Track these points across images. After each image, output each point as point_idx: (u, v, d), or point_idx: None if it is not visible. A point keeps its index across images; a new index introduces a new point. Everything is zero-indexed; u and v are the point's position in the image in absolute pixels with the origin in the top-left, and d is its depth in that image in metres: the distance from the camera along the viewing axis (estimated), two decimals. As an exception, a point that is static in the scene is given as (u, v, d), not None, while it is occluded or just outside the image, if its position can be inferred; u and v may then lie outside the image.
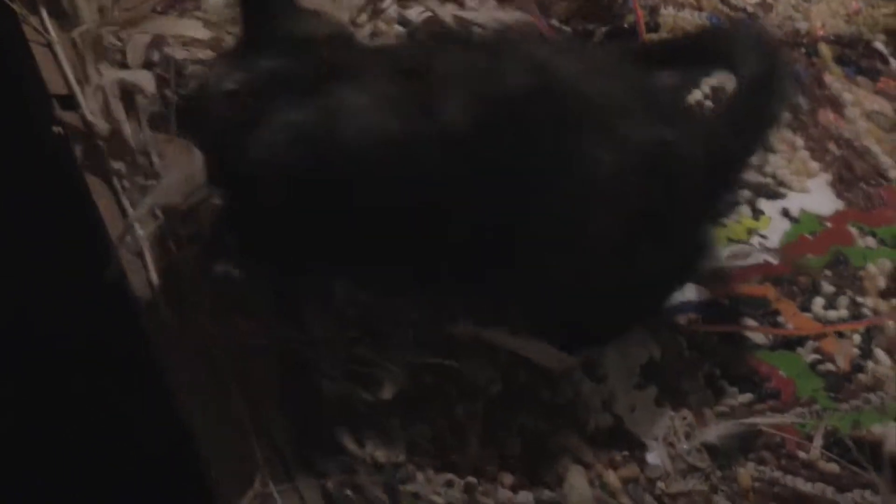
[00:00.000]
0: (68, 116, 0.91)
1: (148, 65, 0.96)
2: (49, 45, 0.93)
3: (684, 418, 0.92)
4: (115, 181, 0.90)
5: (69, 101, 0.92)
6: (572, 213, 0.82)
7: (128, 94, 0.93)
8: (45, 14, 0.93)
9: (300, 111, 0.79)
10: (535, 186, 0.82)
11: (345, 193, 0.79)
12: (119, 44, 0.98)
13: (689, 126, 0.92)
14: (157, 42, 0.99)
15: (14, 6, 0.93)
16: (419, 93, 0.82)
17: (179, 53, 0.99)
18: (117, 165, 0.90)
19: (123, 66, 0.96)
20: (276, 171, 0.79)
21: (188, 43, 1.00)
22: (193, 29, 1.00)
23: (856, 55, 1.20)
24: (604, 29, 1.10)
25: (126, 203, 0.89)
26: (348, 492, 0.81)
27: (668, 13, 1.16)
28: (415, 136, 0.81)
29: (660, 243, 0.87)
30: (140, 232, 0.88)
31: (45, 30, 0.93)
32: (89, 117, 0.90)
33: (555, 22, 1.09)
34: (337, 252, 0.84)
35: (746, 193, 1.07)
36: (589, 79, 0.86)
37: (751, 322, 1.00)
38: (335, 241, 0.82)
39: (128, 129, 0.92)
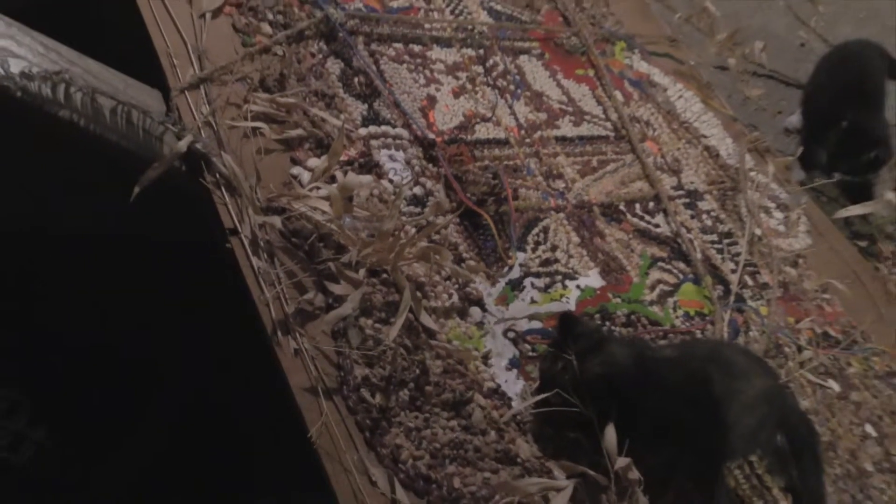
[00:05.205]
0: (233, 240, 1.25)
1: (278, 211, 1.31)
2: (225, 204, 1.30)
3: (531, 385, 1.33)
4: (258, 271, 1.23)
5: (234, 231, 1.25)
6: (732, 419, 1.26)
7: (266, 227, 1.28)
8: (223, 189, 1.31)
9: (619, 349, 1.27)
10: (715, 408, 1.26)
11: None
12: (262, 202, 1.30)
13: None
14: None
15: (207, 185, 1.29)
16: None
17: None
18: (258, 263, 1.25)
19: (266, 212, 1.30)
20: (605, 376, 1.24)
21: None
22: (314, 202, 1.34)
23: (610, 212, 1.67)
24: (491, 198, 1.49)
25: (263, 284, 1.22)
26: (368, 420, 1.16)
27: (524, 192, 1.59)
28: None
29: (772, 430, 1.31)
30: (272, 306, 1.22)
31: (222, 195, 1.31)
32: (244, 240, 1.26)
33: (470, 196, 1.47)
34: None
35: (559, 276, 1.51)
36: (736, 355, 1.34)
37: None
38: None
39: (263, 244, 1.25)
